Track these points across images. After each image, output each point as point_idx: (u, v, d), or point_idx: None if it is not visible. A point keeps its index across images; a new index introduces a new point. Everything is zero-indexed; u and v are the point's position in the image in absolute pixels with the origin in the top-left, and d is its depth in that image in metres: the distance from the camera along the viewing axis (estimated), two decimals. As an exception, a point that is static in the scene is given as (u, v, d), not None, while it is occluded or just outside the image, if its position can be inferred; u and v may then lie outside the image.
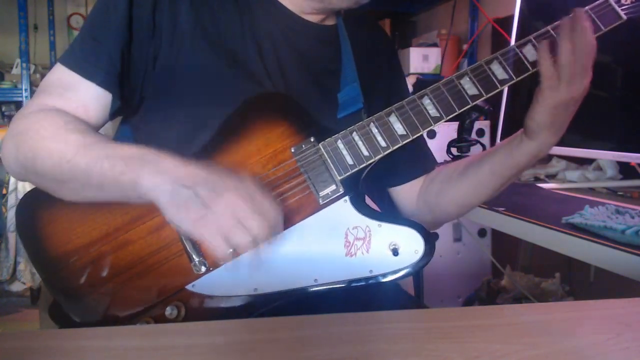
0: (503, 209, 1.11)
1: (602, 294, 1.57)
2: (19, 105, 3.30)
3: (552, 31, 0.74)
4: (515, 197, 1.31)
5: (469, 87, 0.75)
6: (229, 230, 0.61)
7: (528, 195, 1.33)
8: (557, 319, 0.57)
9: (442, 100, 0.75)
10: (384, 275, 0.73)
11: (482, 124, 1.96)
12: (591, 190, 1.35)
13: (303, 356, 0.48)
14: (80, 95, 0.75)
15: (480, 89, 0.75)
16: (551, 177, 1.55)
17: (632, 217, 0.90)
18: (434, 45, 2.59)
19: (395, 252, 0.72)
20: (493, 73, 0.75)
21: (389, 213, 0.98)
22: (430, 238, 0.73)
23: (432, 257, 0.73)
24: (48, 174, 0.70)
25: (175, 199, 0.62)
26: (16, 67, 3.35)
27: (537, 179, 1.52)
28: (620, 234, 0.83)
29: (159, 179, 0.63)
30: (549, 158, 1.64)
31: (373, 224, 0.73)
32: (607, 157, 1.29)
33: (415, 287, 1.94)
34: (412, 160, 0.95)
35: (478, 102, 0.76)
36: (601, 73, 1.26)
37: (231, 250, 0.62)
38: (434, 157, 1.01)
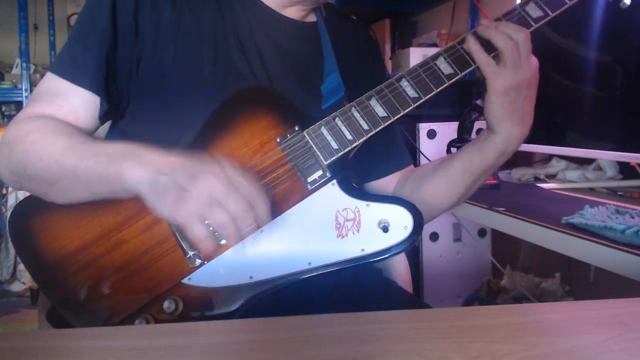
0: (503, 209, 1.11)
1: (602, 294, 1.58)
2: (19, 105, 3.31)
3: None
4: (515, 197, 1.31)
5: (444, 67, 0.77)
6: (206, 210, 0.61)
7: (528, 195, 1.33)
8: (557, 319, 0.56)
9: (420, 82, 0.76)
10: (376, 253, 0.74)
11: (482, 124, 1.94)
12: (591, 190, 1.35)
13: (303, 356, 0.48)
14: (70, 100, 0.77)
15: (455, 67, 0.76)
16: (551, 177, 1.55)
17: (632, 217, 0.90)
18: (434, 45, 2.59)
19: (385, 229, 0.74)
20: (466, 51, 0.77)
21: (377, 193, 0.99)
22: (418, 214, 0.75)
23: (421, 231, 0.74)
24: (38, 176, 0.71)
25: (154, 187, 0.63)
26: (16, 67, 3.35)
27: (537, 179, 1.52)
28: (620, 234, 0.83)
29: (141, 169, 0.64)
30: (549, 158, 1.64)
31: (361, 204, 0.75)
32: (607, 157, 1.29)
33: (415, 287, 1.94)
34: (388, 156, 0.97)
35: (454, 80, 0.77)
36: (601, 73, 1.27)
37: (210, 231, 0.62)
38: (410, 156, 1.03)
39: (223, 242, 0.72)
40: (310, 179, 0.75)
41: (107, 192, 0.69)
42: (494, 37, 0.74)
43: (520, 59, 0.72)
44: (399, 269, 1.07)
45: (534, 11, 0.77)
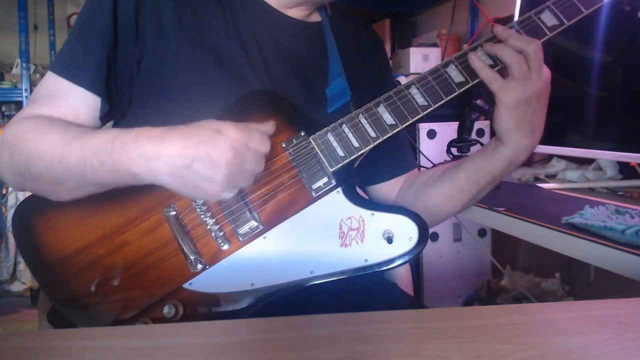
0: (503, 209, 1.11)
1: (602, 294, 1.57)
2: (19, 105, 3.31)
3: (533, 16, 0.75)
4: (515, 197, 1.31)
5: (455, 74, 0.76)
6: (235, 183, 0.64)
7: (528, 195, 1.33)
8: (557, 319, 0.56)
9: (430, 89, 0.75)
10: (380, 264, 0.73)
11: (482, 124, 1.96)
12: (591, 190, 1.35)
13: (303, 356, 0.48)
14: (70, 100, 0.76)
15: (467, 76, 0.75)
16: (551, 177, 1.55)
17: (632, 217, 0.90)
18: (434, 45, 2.59)
19: (389, 240, 0.73)
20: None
21: (380, 197, 0.98)
22: (423, 225, 0.74)
23: (426, 243, 0.73)
24: (43, 176, 0.70)
25: (178, 181, 0.63)
26: (16, 67, 3.35)
27: (537, 179, 1.52)
28: (620, 234, 0.83)
29: (152, 165, 0.63)
30: (549, 158, 1.64)
31: (366, 213, 0.74)
32: (607, 157, 1.29)
33: (415, 287, 1.94)
34: (392, 159, 0.96)
35: (465, 88, 0.76)
36: (601, 73, 1.27)
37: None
38: (414, 159, 1.02)
39: (225, 247, 0.72)
40: (315, 186, 0.74)
41: (122, 185, 0.68)
42: (500, 53, 0.72)
43: (530, 72, 0.70)
44: (400, 271, 1.07)
45: (549, 20, 0.75)
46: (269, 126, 0.68)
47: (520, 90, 0.70)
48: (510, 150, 0.75)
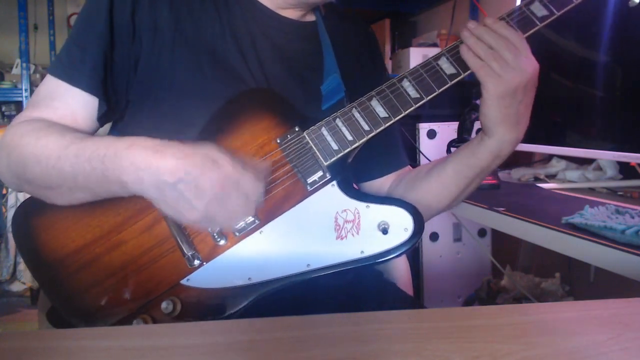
0: (503, 209, 1.11)
1: (602, 294, 1.57)
2: (19, 105, 3.31)
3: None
4: (515, 197, 1.31)
5: (446, 67, 0.76)
6: (214, 217, 0.64)
7: (528, 195, 1.33)
8: (557, 319, 0.56)
9: (422, 82, 0.76)
10: (376, 255, 0.73)
11: (482, 124, 1.96)
12: (591, 190, 1.35)
13: (303, 356, 0.48)
14: (67, 102, 0.77)
15: (458, 67, 0.76)
16: (551, 177, 1.55)
17: (632, 217, 0.90)
18: (434, 45, 2.59)
19: (384, 231, 0.73)
20: None
21: (370, 193, 0.99)
22: (419, 216, 0.74)
23: (421, 234, 0.74)
24: (37, 180, 0.71)
25: (161, 196, 0.63)
26: (16, 67, 3.35)
27: (537, 179, 1.52)
28: (620, 234, 0.83)
29: (140, 175, 0.63)
30: (549, 158, 1.64)
31: (361, 205, 0.74)
32: (607, 157, 1.29)
33: (415, 287, 1.94)
34: (385, 156, 0.97)
35: (456, 80, 0.76)
36: (601, 73, 1.27)
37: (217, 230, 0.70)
38: (406, 157, 1.03)
39: (222, 242, 0.72)
40: (310, 180, 0.75)
41: (111, 194, 0.69)
42: (484, 36, 0.72)
43: (515, 61, 0.71)
44: (400, 270, 1.07)
45: (538, 10, 0.76)
46: (267, 168, 0.70)
47: (506, 80, 0.71)
48: (495, 142, 0.77)
